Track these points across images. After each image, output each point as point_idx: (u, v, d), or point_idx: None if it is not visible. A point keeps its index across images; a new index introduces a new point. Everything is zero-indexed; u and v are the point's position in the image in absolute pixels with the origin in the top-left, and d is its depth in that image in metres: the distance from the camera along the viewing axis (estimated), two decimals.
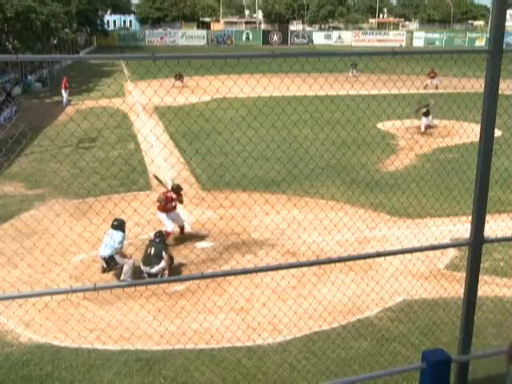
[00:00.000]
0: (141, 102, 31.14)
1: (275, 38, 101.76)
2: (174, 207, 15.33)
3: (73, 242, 12.82)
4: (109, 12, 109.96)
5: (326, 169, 19.76)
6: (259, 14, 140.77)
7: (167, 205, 15.14)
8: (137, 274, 13.00)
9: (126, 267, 12.82)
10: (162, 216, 15.24)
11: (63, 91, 37.70)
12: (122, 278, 12.72)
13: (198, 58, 6.26)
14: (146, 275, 12.94)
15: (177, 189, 15.43)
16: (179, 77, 40.37)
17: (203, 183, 19.42)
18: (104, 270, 13.09)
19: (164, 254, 12.94)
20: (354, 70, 47.81)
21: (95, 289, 5.40)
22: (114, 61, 60.39)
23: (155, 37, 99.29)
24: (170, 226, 15.15)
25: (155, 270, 12.86)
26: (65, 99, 37.38)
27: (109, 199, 17.09)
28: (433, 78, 42.51)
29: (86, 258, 13.62)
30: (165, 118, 26.61)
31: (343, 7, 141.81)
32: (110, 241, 12.80)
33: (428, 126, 29.12)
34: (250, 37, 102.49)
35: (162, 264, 12.90)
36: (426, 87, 40.95)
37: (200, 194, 18.17)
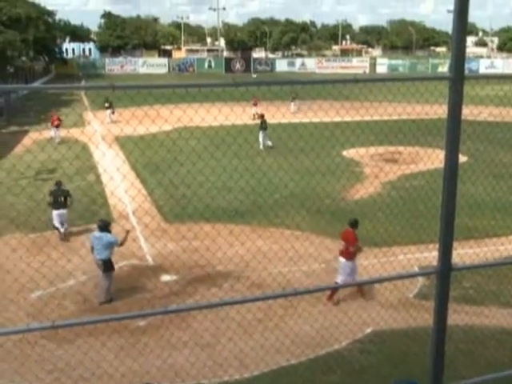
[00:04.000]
0: (100, 132, 30.74)
1: (238, 65, 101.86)
2: (354, 253, 12.60)
3: (30, 278, 12.33)
4: (67, 40, 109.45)
5: (291, 198, 19.59)
6: (221, 42, 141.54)
7: (349, 248, 12.53)
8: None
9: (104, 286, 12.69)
10: (344, 264, 12.50)
11: (54, 129, 32.00)
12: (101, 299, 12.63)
13: (158, 88, 5.98)
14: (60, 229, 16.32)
15: (355, 223, 12.82)
16: (109, 105, 38.04)
17: (165, 215, 19.03)
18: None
19: (69, 198, 16.61)
20: (293, 104, 43.30)
21: (53, 327, 5.02)
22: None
23: (115, 65, 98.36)
24: (341, 277, 12.50)
25: (67, 210, 16.43)
26: (55, 137, 31.83)
27: (68, 232, 16.71)
28: (255, 105, 38.93)
29: (43, 295, 13.11)
30: (125, 149, 26.26)
31: (306, 34, 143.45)
32: (103, 243, 12.54)
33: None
34: (213, 64, 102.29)
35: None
36: (254, 118, 36.80)
37: (162, 226, 17.82)
